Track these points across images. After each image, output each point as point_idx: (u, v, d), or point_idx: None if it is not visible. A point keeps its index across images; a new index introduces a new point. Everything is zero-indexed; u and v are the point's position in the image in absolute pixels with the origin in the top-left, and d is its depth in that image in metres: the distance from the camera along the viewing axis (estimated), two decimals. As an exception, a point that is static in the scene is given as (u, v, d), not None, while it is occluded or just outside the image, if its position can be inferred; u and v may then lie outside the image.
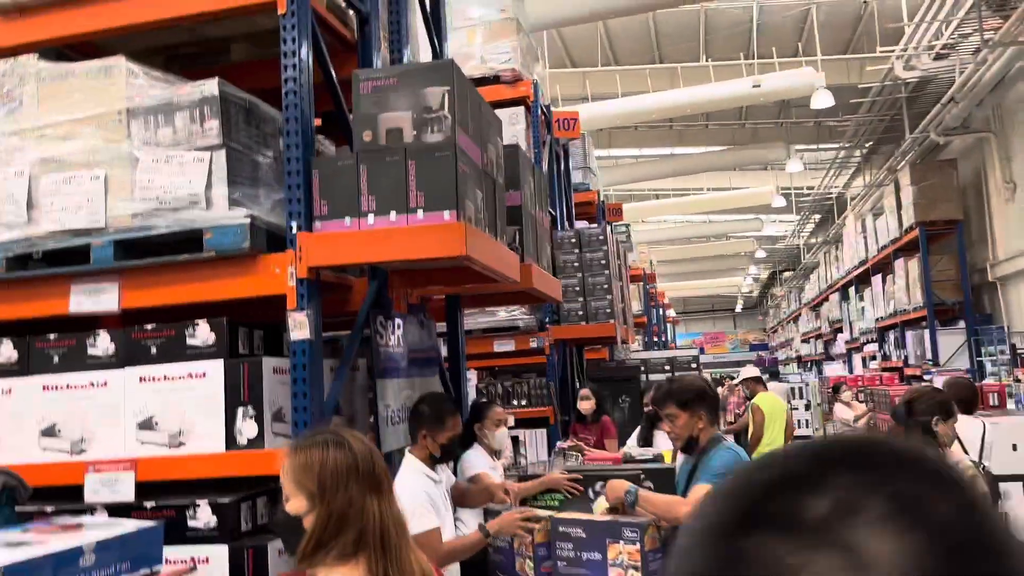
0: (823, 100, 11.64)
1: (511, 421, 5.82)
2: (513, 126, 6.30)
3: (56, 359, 2.73)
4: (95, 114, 2.65)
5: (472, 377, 6.43)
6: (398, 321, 3.25)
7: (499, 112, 6.24)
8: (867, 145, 15.11)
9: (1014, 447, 4.83)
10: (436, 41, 4.02)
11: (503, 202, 3.20)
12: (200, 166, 2.55)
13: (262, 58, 3.21)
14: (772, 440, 7.21)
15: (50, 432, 2.71)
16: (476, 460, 3.53)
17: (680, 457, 3.17)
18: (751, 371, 8.23)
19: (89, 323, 2.82)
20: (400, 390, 3.22)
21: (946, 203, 12.33)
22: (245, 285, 2.61)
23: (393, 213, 2.51)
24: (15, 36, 2.83)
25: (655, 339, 17.62)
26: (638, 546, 2.33)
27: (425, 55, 4.06)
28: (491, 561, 2.85)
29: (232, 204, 2.56)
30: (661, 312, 19.93)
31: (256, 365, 2.65)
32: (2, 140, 2.75)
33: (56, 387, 2.72)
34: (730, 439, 3.38)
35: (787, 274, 30.27)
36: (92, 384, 2.69)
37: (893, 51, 10.48)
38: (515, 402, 6.55)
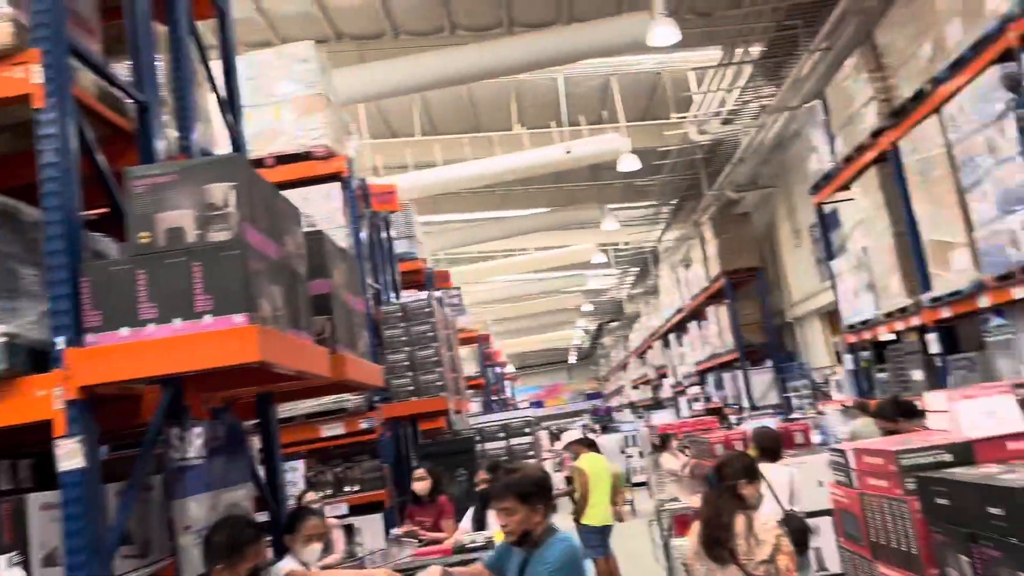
0: (630, 163, 12.38)
1: (338, 511, 5.54)
2: (328, 202, 6.16)
3: None
4: None
5: (299, 466, 6.08)
6: (197, 429, 2.98)
7: (314, 188, 6.11)
8: (672, 202, 16.20)
9: (820, 483, 5.16)
10: (232, 123, 3.85)
11: (306, 294, 3.05)
12: (-60, 281, 2.22)
13: (25, 151, 2.91)
14: (597, 501, 7.31)
15: None
16: (285, 565, 3.27)
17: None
18: (573, 434, 8.35)
19: None
20: (205, 507, 2.93)
21: (746, 253, 13.42)
22: (4, 412, 2.28)
23: (177, 320, 2.30)
24: None
25: (493, 398, 17.69)
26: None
27: (222, 134, 3.87)
28: None
29: (-15, 322, 2.25)
30: (498, 371, 20.12)
31: (19, 503, 2.31)
32: None
33: None
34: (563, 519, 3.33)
35: (613, 324, 31.60)
36: None
37: (686, 117, 11.37)
38: (348, 488, 6.26)
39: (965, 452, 2.85)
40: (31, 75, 2.39)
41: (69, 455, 2.23)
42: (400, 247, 9.23)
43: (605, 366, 37.22)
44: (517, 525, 2.83)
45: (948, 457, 2.89)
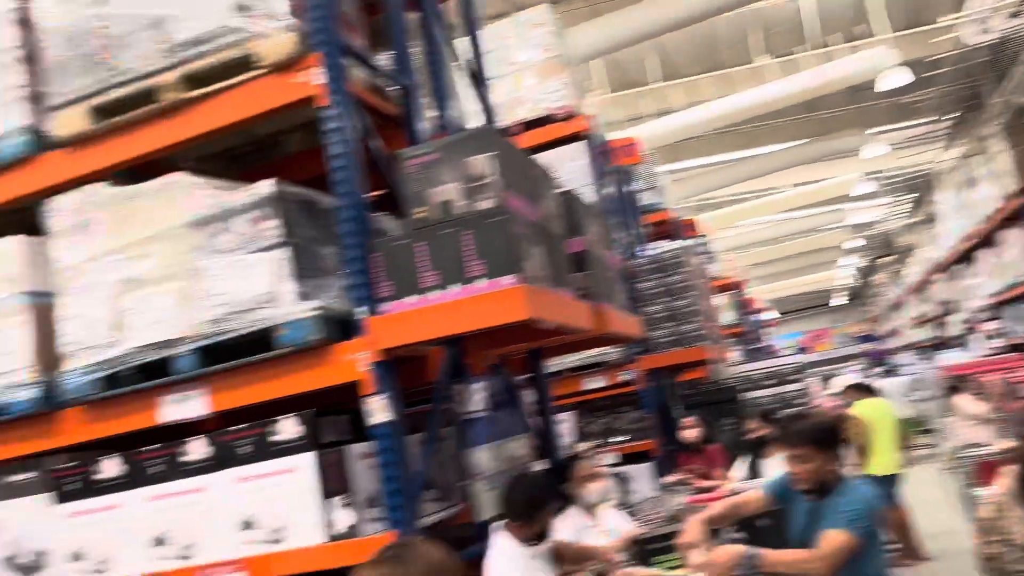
0: (897, 79, 11.15)
1: (608, 460, 5.71)
2: (573, 162, 6.26)
3: (157, 470, 2.82)
4: (162, 231, 2.76)
5: (568, 418, 6.35)
6: (478, 385, 3.22)
7: (557, 150, 6.25)
8: (950, 116, 14.38)
9: None
10: (482, 97, 4.04)
11: (564, 252, 3.15)
12: (265, 266, 2.61)
13: (315, 147, 3.29)
14: (881, 449, 6.78)
15: (159, 541, 2.79)
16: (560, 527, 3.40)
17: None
18: (845, 380, 7.78)
19: (184, 430, 2.91)
20: (491, 456, 3.18)
21: (1047, 164, 11.54)
22: (321, 376, 2.64)
23: (455, 285, 2.50)
24: (81, 166, 2.99)
25: (753, 346, 17.08)
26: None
27: (472, 108, 4.08)
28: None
29: (301, 298, 2.61)
30: (757, 318, 19.33)
31: (344, 454, 2.67)
32: (81, 266, 2.89)
33: (161, 496, 2.80)
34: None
35: (883, 260, 28.97)
36: (192, 490, 2.76)
37: (960, 18, 9.98)
38: (615, 438, 6.43)
39: None
40: (314, 78, 2.69)
41: (378, 410, 2.53)
42: (645, 199, 9.14)
43: (876, 306, 34.30)
44: (811, 473, 2.73)
45: None
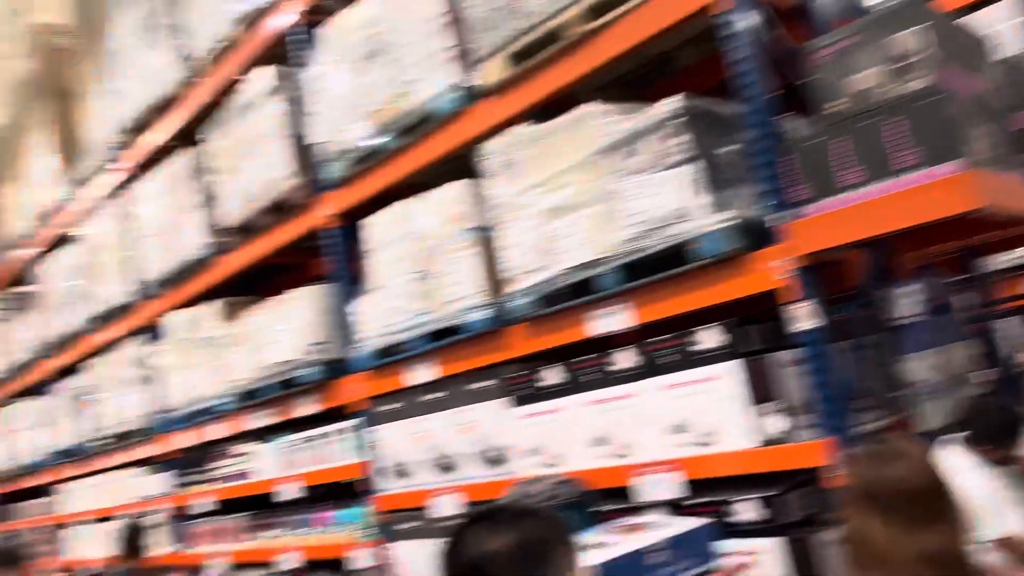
0: None
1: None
2: (998, 23, 5.29)
3: (591, 378, 3.11)
4: (578, 161, 2.97)
5: (1008, 325, 5.54)
6: (908, 289, 2.97)
7: (979, 14, 5.31)
8: None
9: None
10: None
11: (1009, 129, 2.70)
12: (675, 182, 2.67)
13: (708, 57, 3.25)
14: None
15: (599, 441, 3.09)
16: None
17: None
18: None
19: (609, 343, 3.16)
20: (927, 363, 2.93)
21: None
22: (738, 286, 2.65)
23: (882, 180, 2.30)
24: (503, 112, 3.34)
25: None
26: None
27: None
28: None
29: (713, 209, 2.63)
30: None
31: (768, 361, 2.67)
32: (512, 201, 3.25)
33: (596, 401, 3.10)
34: None
35: None
36: (624, 396, 3.00)
37: None
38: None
39: None
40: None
41: (802, 317, 2.47)
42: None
43: None
44: None
45: None
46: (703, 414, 2.75)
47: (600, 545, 2.32)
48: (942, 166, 2.17)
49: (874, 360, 2.93)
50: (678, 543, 2.35)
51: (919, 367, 2.90)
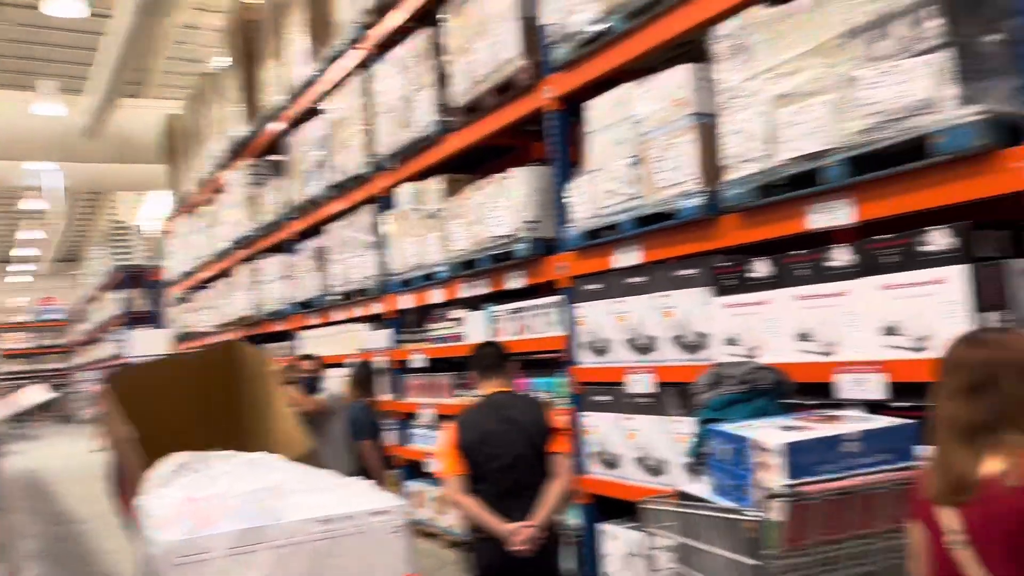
0: None
1: None
2: None
3: (803, 273, 3.08)
4: (816, 45, 2.85)
5: None
6: None
7: None
8: None
9: None
10: None
11: None
12: (924, 70, 2.51)
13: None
14: None
15: (803, 336, 3.08)
16: None
17: None
18: None
19: (825, 240, 3.09)
20: None
21: None
22: (982, 185, 2.48)
23: None
24: (742, -7, 3.23)
25: None
26: None
27: None
28: None
29: (964, 102, 2.45)
30: None
31: (1002, 269, 2.51)
32: (740, 87, 3.19)
33: (805, 297, 3.07)
34: None
35: None
36: (836, 293, 2.95)
37: None
38: None
39: None
40: None
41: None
42: None
43: None
44: None
45: None
46: (920, 317, 2.66)
47: (793, 428, 2.38)
48: None
49: None
50: (873, 437, 2.35)
51: None
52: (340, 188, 7.17)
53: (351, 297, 7.10)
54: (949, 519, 1.64)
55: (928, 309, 2.63)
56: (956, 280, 2.54)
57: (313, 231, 7.91)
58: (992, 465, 1.58)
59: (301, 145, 7.97)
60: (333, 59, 7.20)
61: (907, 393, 2.71)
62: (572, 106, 4.33)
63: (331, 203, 7.42)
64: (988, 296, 2.50)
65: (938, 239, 2.61)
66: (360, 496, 2.26)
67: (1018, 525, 1.51)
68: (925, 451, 2.47)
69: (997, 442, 1.58)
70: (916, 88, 2.52)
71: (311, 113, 7.76)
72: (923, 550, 1.76)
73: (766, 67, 3.06)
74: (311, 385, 6.29)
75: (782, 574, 2.06)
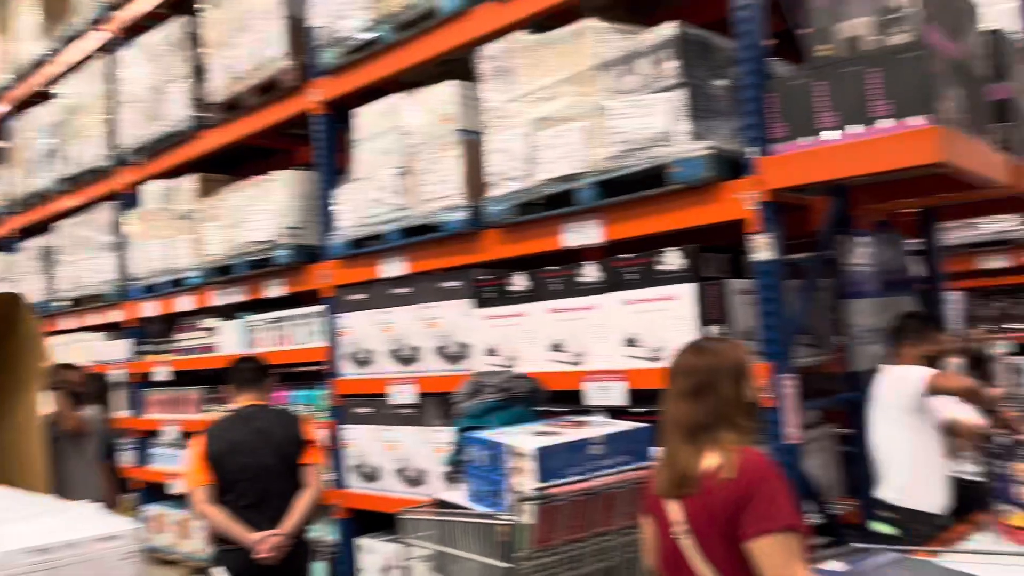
0: None
1: (999, 348, 5.15)
2: (998, 4, 5.37)
3: (556, 287, 3.26)
4: (572, 73, 3.04)
5: (958, 299, 5.81)
6: (863, 239, 3.13)
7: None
8: None
9: None
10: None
11: (985, 98, 2.83)
12: (663, 106, 2.77)
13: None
14: None
15: (556, 347, 3.26)
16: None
17: None
18: None
19: (578, 255, 3.30)
20: (869, 311, 3.12)
21: None
22: (709, 212, 2.78)
23: (855, 126, 2.42)
24: (505, 18, 3.37)
25: None
26: None
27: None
28: (984, 487, 2.64)
29: (694, 137, 2.74)
30: None
31: (723, 287, 2.83)
32: (503, 107, 3.32)
33: (558, 310, 3.25)
34: None
35: None
36: (585, 307, 3.16)
37: None
38: (1011, 325, 5.76)
39: None
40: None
41: (762, 248, 2.62)
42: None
43: None
44: None
45: None
46: (656, 330, 2.92)
47: (545, 434, 2.50)
48: (912, 119, 2.30)
49: (822, 301, 3.12)
50: (615, 440, 2.53)
51: (862, 311, 3.09)
52: (74, 181, 6.46)
53: (83, 303, 6.39)
54: (674, 511, 1.81)
55: (662, 322, 2.89)
56: (686, 297, 2.83)
57: (40, 228, 7.03)
58: (710, 460, 1.76)
59: (27, 131, 7.07)
60: (70, 39, 6.48)
61: (645, 399, 2.96)
62: (340, 112, 4.25)
63: (62, 197, 6.65)
64: (711, 311, 2.80)
65: (672, 260, 2.89)
66: (85, 521, 2.03)
67: (728, 512, 1.70)
68: (658, 451, 2.71)
69: (715, 439, 1.77)
70: (656, 121, 2.78)
71: (41, 96, 6.92)
72: (653, 542, 1.92)
73: (527, 90, 3.21)
74: (77, 398, 5.53)
75: (531, 574, 2.15)
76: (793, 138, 2.57)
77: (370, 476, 4.08)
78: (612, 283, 3.07)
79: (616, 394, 3.01)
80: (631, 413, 2.95)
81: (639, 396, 2.97)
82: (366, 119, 3.98)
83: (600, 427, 2.60)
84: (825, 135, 2.50)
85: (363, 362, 4.12)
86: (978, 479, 2.82)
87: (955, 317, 5.56)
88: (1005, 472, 2.39)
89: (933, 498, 2.91)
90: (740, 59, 2.73)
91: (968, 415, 3.10)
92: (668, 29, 2.79)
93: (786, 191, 2.67)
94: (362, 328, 4.12)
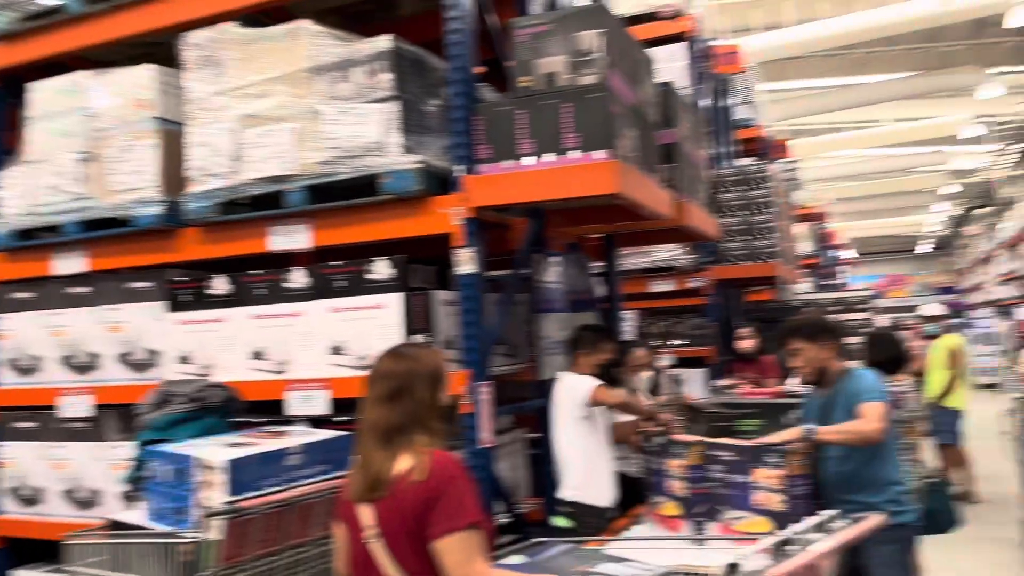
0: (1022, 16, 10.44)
1: (665, 362, 5.92)
2: (672, 63, 6.20)
3: (261, 292, 3.13)
4: (285, 73, 2.96)
5: (631, 317, 6.54)
6: (556, 259, 3.42)
7: (658, 49, 6.18)
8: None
9: None
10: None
11: (655, 141, 3.25)
12: (376, 117, 2.80)
13: (429, 10, 3.41)
14: (961, 384, 7.06)
15: (258, 355, 3.13)
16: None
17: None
18: (936, 308, 7.88)
19: (286, 260, 3.20)
20: (557, 325, 3.41)
21: None
22: (417, 224, 2.86)
23: (549, 154, 2.65)
24: (215, 6, 3.19)
25: (826, 283, 16.82)
26: (781, 471, 2.40)
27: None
28: (645, 481, 3.00)
29: (405, 150, 2.80)
30: (835, 254, 18.91)
31: (429, 298, 2.92)
32: (209, 99, 3.13)
33: (262, 316, 3.12)
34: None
35: (980, 211, 27.64)
36: (291, 314, 3.07)
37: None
38: (674, 342, 6.61)
39: None
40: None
41: (465, 261, 2.75)
42: (740, 113, 8.95)
43: (963, 258, 32.97)
44: (808, 363, 2.95)
45: None
46: (363, 338, 2.93)
47: (239, 445, 2.38)
48: (595, 152, 2.57)
49: (518, 315, 3.35)
50: (314, 450, 2.49)
51: (552, 324, 3.37)
52: None
53: None
54: (366, 515, 1.83)
55: (369, 331, 2.91)
56: (393, 306, 2.87)
57: None
58: (403, 463, 1.81)
59: None
60: None
61: (348, 408, 2.94)
62: (12, 85, 3.71)
63: None
64: (417, 321, 2.88)
65: (381, 269, 2.92)
66: None
67: (417, 513, 1.75)
68: (353, 457, 2.71)
69: (409, 442, 1.82)
70: (369, 131, 2.80)
71: None
72: (344, 548, 1.92)
73: (236, 85, 3.06)
74: None
75: (217, 594, 2.03)
76: (497, 160, 2.74)
77: (31, 500, 3.58)
78: (320, 290, 3.03)
79: (320, 403, 2.96)
80: (334, 422, 2.92)
81: (342, 405, 2.95)
82: (43, 95, 3.52)
83: (299, 437, 2.55)
84: (525, 160, 2.69)
85: (27, 370, 3.62)
86: (639, 475, 3.20)
87: (629, 333, 6.27)
88: (661, 468, 2.74)
89: (602, 494, 3.24)
90: (451, 80, 2.85)
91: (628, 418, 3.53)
92: (384, 42, 2.83)
93: (489, 210, 2.83)
94: (27, 331, 3.61)
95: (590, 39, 2.63)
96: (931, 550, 3.79)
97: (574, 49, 2.65)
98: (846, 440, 2.78)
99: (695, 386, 6.21)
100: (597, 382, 3.22)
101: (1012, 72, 14.84)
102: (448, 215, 2.79)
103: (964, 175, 23.88)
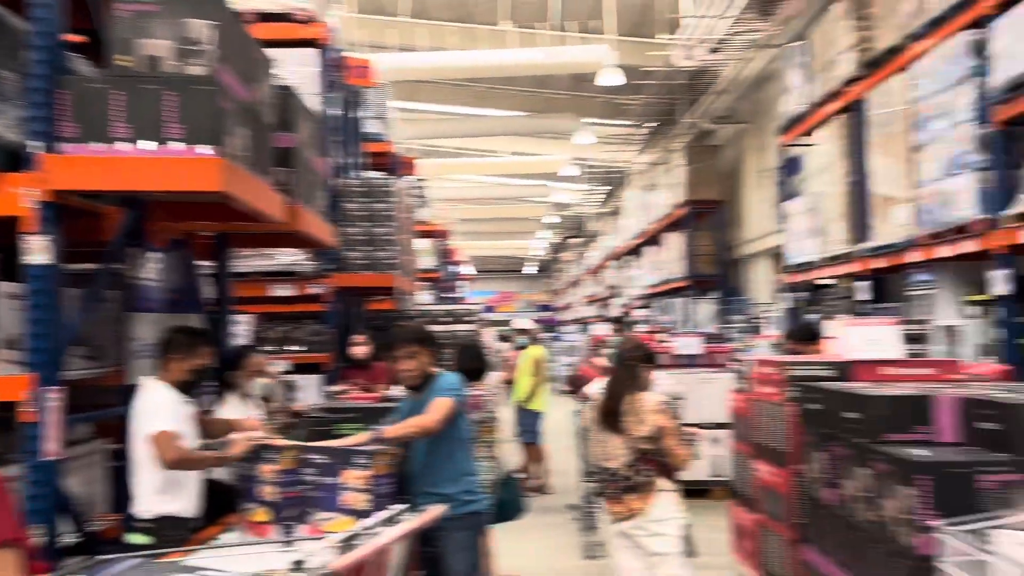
0: (612, 78, 12.37)
1: (280, 367, 5.84)
2: (303, 68, 6.17)
3: None
4: None
5: (247, 321, 6.31)
6: (155, 255, 3.19)
7: (288, 51, 6.11)
8: (649, 125, 16.27)
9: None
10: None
11: (270, 143, 3.22)
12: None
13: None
14: (543, 389, 8.06)
15: None
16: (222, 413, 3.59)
17: None
18: (527, 322, 8.90)
19: None
20: (154, 325, 3.17)
21: (711, 185, 13.67)
22: (-23, 205, 2.46)
23: (148, 142, 2.47)
24: None
25: (446, 295, 18.03)
26: (368, 471, 2.52)
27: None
28: (237, 488, 2.90)
29: (-34, 117, 2.40)
30: (455, 270, 20.39)
31: (-16, 290, 2.53)
32: None
33: None
34: None
35: (574, 240, 31.99)
36: None
37: (674, 39, 11.36)
38: (291, 348, 6.53)
39: (843, 370, 3.21)
40: None
41: (37, 251, 2.43)
42: (370, 128, 9.20)
43: (559, 280, 37.83)
44: (419, 368, 3.13)
45: (829, 373, 3.25)
46: None
47: None
48: (201, 147, 2.46)
49: (107, 313, 3.04)
50: None
51: (146, 325, 3.12)
52: None
53: None
54: None
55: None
56: (-63, 297, 2.42)
57: None
58: None
59: None
60: None
61: None
62: None
63: None
64: (-31, 316, 2.46)
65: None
66: None
67: None
68: None
69: None
70: (-85, 88, 2.34)
71: None
72: None
73: None
74: None
75: None
76: (85, 141, 2.48)
77: None
78: None
79: None
80: None
81: None
82: None
83: None
84: (119, 145, 2.47)
85: None
86: (232, 482, 3.08)
87: (245, 338, 6.05)
88: (253, 474, 2.70)
89: (184, 504, 2.97)
90: (34, 44, 2.52)
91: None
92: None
93: (73, 195, 2.54)
94: None
95: (199, 28, 2.52)
96: (503, 536, 4.26)
97: (182, 36, 2.51)
98: (409, 435, 2.98)
99: (311, 392, 6.20)
100: (162, 427, 2.81)
101: (601, 124, 17.44)
102: (18, 196, 2.45)
103: (562, 208, 27.43)
